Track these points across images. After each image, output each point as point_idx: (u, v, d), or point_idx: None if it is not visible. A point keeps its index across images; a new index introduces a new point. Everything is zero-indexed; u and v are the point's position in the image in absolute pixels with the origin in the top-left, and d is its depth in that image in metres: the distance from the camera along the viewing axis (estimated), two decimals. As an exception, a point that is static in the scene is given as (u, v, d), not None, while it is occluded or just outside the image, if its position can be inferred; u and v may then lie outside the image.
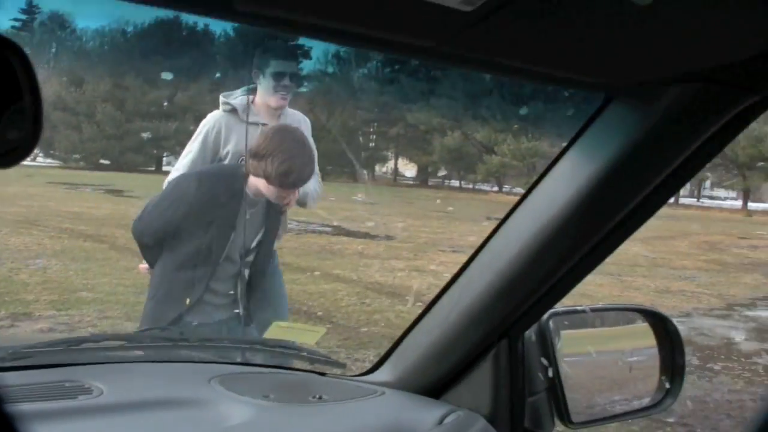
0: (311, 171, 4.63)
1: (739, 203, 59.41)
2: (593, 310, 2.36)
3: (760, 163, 56.72)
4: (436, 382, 2.05)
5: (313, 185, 5.26)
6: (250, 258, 4.84)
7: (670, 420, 8.18)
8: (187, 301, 4.58)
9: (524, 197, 1.78)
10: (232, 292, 4.82)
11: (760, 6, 1.09)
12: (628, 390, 2.36)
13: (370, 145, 56.02)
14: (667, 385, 2.25)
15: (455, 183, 55.47)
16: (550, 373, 2.05)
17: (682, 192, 63.77)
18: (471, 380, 2.00)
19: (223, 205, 4.55)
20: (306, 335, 3.64)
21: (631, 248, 24.00)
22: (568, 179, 1.64)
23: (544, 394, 2.06)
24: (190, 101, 42.36)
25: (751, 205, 57.71)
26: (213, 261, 4.60)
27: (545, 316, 2.04)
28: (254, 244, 4.81)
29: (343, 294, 13.07)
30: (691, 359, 10.79)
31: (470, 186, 54.23)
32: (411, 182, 55.54)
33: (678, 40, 1.23)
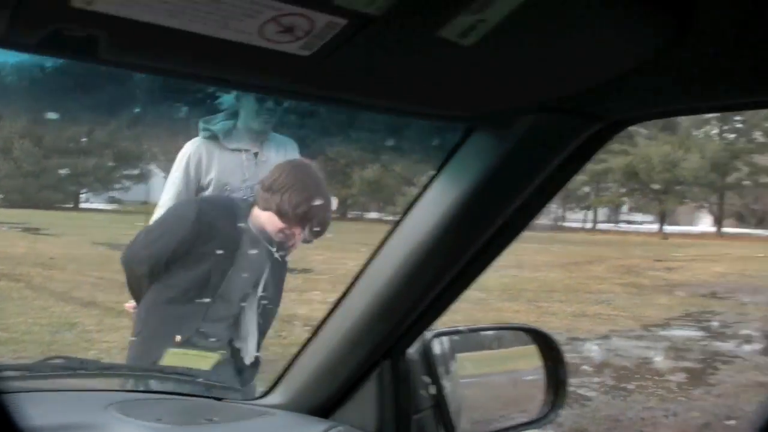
0: (329, 213, 4.32)
1: (655, 226, 60.39)
2: (475, 330, 2.45)
3: (676, 187, 57.84)
4: (325, 402, 2.10)
5: None
6: (251, 302, 4.39)
7: (585, 441, 8.34)
8: (177, 338, 4.12)
9: (398, 223, 1.85)
10: (219, 338, 4.34)
11: (597, 37, 1.15)
12: (516, 406, 2.49)
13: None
14: (552, 399, 2.34)
15: (374, 215, 55.39)
16: (433, 391, 2.10)
17: (600, 217, 64.76)
18: (357, 399, 2.06)
19: (222, 238, 4.15)
20: (201, 361, 3.86)
21: (548, 274, 24.32)
22: (435, 205, 1.72)
23: (430, 412, 2.11)
24: (109, 137, 41.90)
25: (667, 228, 58.72)
26: (206, 299, 4.18)
27: (428, 335, 2.10)
28: (260, 287, 4.38)
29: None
30: (606, 380, 11.02)
31: (390, 218, 54.28)
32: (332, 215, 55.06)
33: (524, 72, 1.29)
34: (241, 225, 4.16)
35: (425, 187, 1.76)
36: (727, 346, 14.29)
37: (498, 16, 1.01)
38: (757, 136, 60.76)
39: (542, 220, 60.29)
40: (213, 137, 4.78)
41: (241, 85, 1.37)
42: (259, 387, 3.62)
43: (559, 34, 1.12)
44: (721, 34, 1.13)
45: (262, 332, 4.52)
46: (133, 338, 4.34)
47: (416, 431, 2.07)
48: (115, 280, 15.75)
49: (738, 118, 60.05)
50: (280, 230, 4.12)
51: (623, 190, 62.11)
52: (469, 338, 2.44)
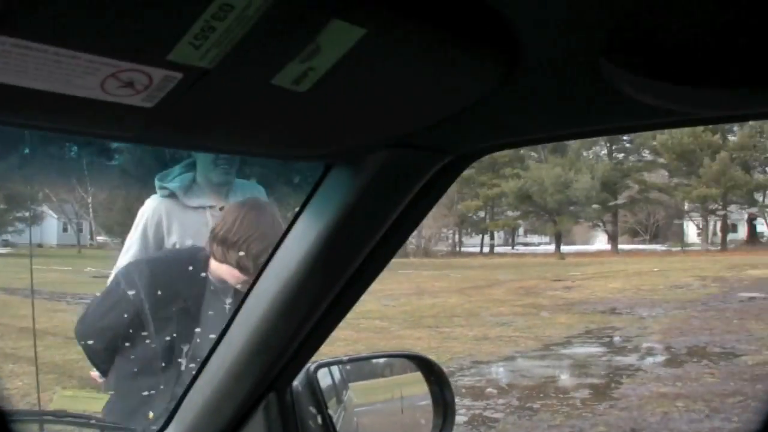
0: None
1: (552, 247, 61.42)
2: (357, 359, 2.50)
3: (570, 207, 58.95)
4: None
5: None
6: None
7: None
8: (150, 415, 3.63)
9: (269, 258, 1.88)
10: None
11: (433, 76, 1.20)
12: (405, 430, 2.55)
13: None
14: (440, 422, 2.36)
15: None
16: (320, 420, 2.11)
17: (496, 241, 65.65)
18: None
19: (182, 298, 3.74)
20: (92, 403, 3.60)
21: (448, 300, 24.45)
22: (301, 241, 1.77)
23: None
24: (-2, 181, 40.98)
25: (564, 248, 59.80)
26: (176, 365, 3.75)
27: (311, 367, 2.13)
28: None
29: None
30: (512, 401, 11.01)
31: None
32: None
33: (368, 111, 1.34)
34: (202, 280, 3.77)
35: (291, 224, 1.82)
36: (628, 360, 14.47)
37: (327, 64, 1.07)
38: (646, 154, 62.43)
39: (440, 246, 60.95)
40: (171, 195, 4.33)
41: (91, 135, 1.35)
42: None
43: (393, 75, 1.18)
44: (548, 72, 1.22)
45: None
46: (106, 417, 3.77)
47: None
48: (11, 326, 15.40)
49: (626, 138, 61.68)
50: (243, 282, 3.69)
51: (518, 213, 63.11)
52: (362, 367, 2.53)
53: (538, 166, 59.55)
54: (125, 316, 3.69)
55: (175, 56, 1.00)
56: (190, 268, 3.77)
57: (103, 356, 3.85)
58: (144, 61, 1.01)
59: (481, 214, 63.94)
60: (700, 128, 53.66)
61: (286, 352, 1.94)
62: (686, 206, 61.19)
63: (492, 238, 64.60)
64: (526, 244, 69.96)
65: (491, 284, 29.72)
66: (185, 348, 3.73)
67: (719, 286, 28.22)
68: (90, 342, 3.82)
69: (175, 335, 3.71)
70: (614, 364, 13.92)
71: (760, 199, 59.02)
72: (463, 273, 36.13)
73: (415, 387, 2.44)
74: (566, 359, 14.67)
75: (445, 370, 8.65)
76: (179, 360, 3.71)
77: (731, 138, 57.20)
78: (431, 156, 1.61)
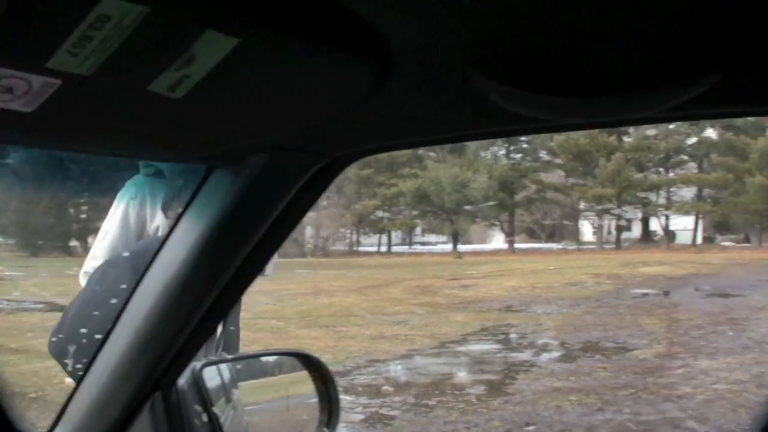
0: None
1: (449, 246, 61.92)
2: (242, 358, 2.64)
3: (467, 207, 59.50)
4: None
5: None
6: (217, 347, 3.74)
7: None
8: None
9: (153, 258, 1.91)
10: None
11: (307, 83, 1.25)
12: (299, 428, 2.54)
13: (82, 216, 54.32)
14: (326, 419, 2.40)
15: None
16: (205, 419, 2.13)
17: (394, 240, 65.93)
18: None
19: None
20: None
21: (345, 299, 24.45)
22: (183, 241, 1.80)
23: None
24: None
25: (461, 247, 60.35)
26: None
27: (197, 366, 2.15)
28: (221, 344, 3.75)
29: (56, 370, 12.39)
30: (408, 398, 11.02)
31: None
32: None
33: (246, 115, 1.39)
34: None
35: (174, 224, 1.85)
36: (523, 356, 14.65)
37: (201, 72, 1.11)
38: (543, 155, 63.39)
39: (338, 246, 60.99)
40: (158, 173, 3.88)
41: None
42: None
43: (267, 82, 1.23)
44: (419, 80, 1.28)
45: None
46: None
47: None
48: None
49: (523, 138, 62.57)
50: None
51: (415, 213, 63.48)
52: (253, 366, 2.59)
53: (436, 166, 59.98)
54: (105, 326, 3.18)
55: (54, 64, 1.03)
56: None
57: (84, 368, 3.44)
58: (23, 68, 1.04)
59: (379, 213, 64.17)
60: (597, 130, 54.75)
61: (170, 352, 1.95)
62: (582, 206, 62.27)
63: (389, 237, 64.84)
64: (423, 244, 70.38)
65: (388, 283, 29.85)
66: None
67: (613, 283, 28.84)
68: (70, 356, 3.42)
69: None
70: (509, 361, 14.09)
71: (654, 198, 60.39)
72: (361, 272, 36.20)
73: (304, 385, 2.47)
74: (462, 356, 14.80)
75: (342, 369, 8.70)
76: None
77: (626, 139, 58.44)
78: (309, 159, 1.67)
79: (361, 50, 1.17)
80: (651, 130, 56.98)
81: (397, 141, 1.69)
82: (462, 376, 12.92)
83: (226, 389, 2.33)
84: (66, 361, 3.44)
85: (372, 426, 9.64)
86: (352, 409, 10.44)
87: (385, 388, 11.72)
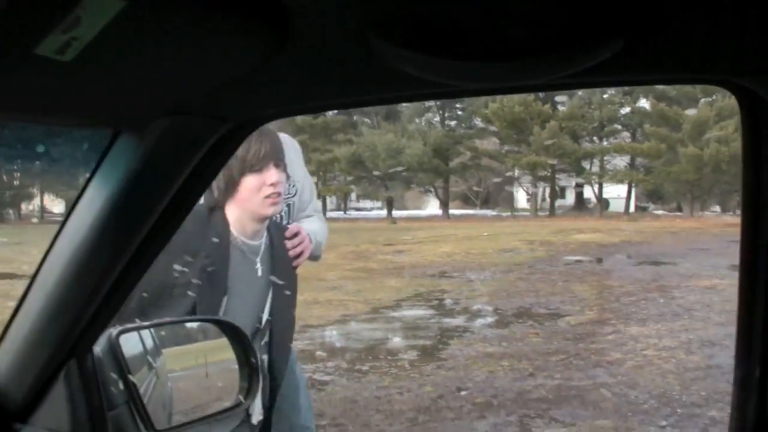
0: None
1: (384, 212, 62.01)
2: (160, 324, 2.52)
3: (403, 173, 59.55)
4: (21, 406, 2.02)
5: (319, 224, 4.30)
6: (257, 341, 3.36)
7: (323, 422, 8.33)
8: None
9: (63, 224, 1.88)
10: None
11: (204, 46, 1.23)
12: (213, 395, 2.51)
13: (15, 183, 53.46)
14: (247, 386, 2.43)
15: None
16: (122, 386, 2.10)
17: (329, 206, 65.86)
18: (49, 401, 2.01)
19: (200, 263, 3.16)
20: None
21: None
22: (91, 208, 1.78)
23: (125, 407, 2.12)
24: None
25: (396, 213, 60.48)
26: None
27: (114, 332, 2.13)
28: (263, 315, 3.40)
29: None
30: (341, 363, 11.08)
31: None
32: (59, 218, 53.57)
33: (143, 78, 1.36)
34: (223, 234, 3.30)
35: (83, 190, 1.83)
36: (456, 321, 14.74)
37: (89, 35, 1.08)
38: (477, 122, 63.58)
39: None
40: None
41: None
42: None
43: (161, 45, 1.21)
44: (320, 43, 1.27)
45: (276, 378, 3.51)
46: None
47: (113, 428, 2.08)
48: None
49: (458, 105, 62.66)
50: (261, 191, 3.27)
51: (350, 179, 63.46)
52: (178, 333, 2.55)
53: (371, 132, 59.96)
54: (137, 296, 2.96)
55: None
56: (209, 221, 3.30)
57: None
58: None
59: (314, 179, 63.89)
60: (531, 98, 55.14)
61: (83, 318, 1.93)
62: (516, 173, 62.69)
63: (324, 203, 64.77)
64: (358, 209, 70.46)
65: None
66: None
67: (546, 249, 29.11)
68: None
69: (196, 301, 3.15)
70: (443, 326, 14.14)
71: (588, 167, 60.99)
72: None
73: (226, 352, 2.48)
74: (396, 322, 14.85)
75: (275, 334, 8.32)
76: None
77: (561, 108, 58.87)
78: (212, 123, 1.65)
79: (257, 13, 1.16)
80: (585, 98, 57.49)
81: (300, 105, 1.68)
82: (395, 341, 12.98)
83: (149, 356, 2.30)
84: None
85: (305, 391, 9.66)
86: (286, 374, 10.48)
87: (318, 353, 11.73)
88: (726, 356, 10.71)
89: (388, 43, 1.16)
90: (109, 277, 1.86)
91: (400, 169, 58.28)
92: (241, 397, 2.42)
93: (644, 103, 58.60)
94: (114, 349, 2.11)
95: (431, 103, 62.74)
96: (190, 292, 3.13)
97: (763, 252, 1.33)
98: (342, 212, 66.55)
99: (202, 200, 3.61)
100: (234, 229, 3.31)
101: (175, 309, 3.10)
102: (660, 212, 60.45)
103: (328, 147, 59.99)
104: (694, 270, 21.66)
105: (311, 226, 4.13)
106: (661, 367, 10.47)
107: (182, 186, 1.76)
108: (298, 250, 3.71)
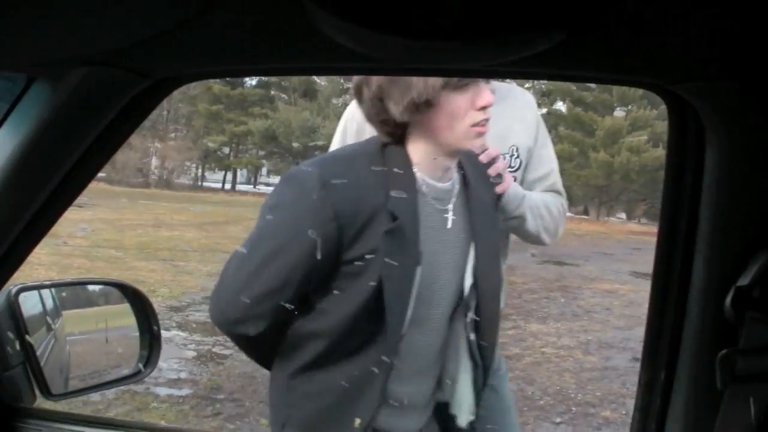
0: None
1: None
2: (61, 284, 2.45)
3: (315, 152, 59.56)
4: None
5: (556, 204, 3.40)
6: (458, 323, 2.52)
7: (220, 397, 8.29)
8: (357, 422, 2.36)
9: None
10: (417, 401, 2.55)
11: None
12: (112, 362, 2.44)
13: None
14: (147, 354, 2.35)
15: None
16: (18, 347, 2.05)
17: (239, 179, 65.56)
18: None
19: (383, 216, 2.27)
20: None
21: (185, 234, 24.22)
22: None
23: (20, 369, 2.06)
24: None
25: (306, 192, 60.46)
26: (390, 335, 2.30)
27: (13, 290, 2.06)
28: (466, 282, 2.51)
29: None
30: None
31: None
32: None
33: (65, 23, 1.29)
34: (408, 181, 2.39)
35: None
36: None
37: None
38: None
39: (182, 180, 60.28)
40: None
41: None
42: None
43: None
44: (250, 4, 1.21)
45: (485, 368, 2.58)
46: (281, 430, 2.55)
47: (7, 389, 2.05)
48: None
49: (374, 88, 62.83)
50: (467, 117, 2.40)
51: (262, 153, 63.26)
52: (79, 294, 2.46)
53: (287, 108, 59.76)
54: (295, 276, 2.29)
55: None
56: (385, 165, 2.38)
57: (269, 338, 2.41)
58: None
59: (226, 150, 63.63)
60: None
61: None
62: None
63: (235, 175, 64.45)
64: (268, 185, 70.15)
65: (229, 221, 29.66)
66: (402, 304, 2.31)
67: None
68: (243, 324, 2.37)
69: (374, 295, 2.27)
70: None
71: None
72: (204, 208, 35.85)
73: (127, 318, 2.39)
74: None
75: (177, 304, 8.54)
76: (394, 326, 2.30)
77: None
78: (131, 78, 1.58)
79: None
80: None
81: (226, 67, 1.62)
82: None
83: (48, 317, 2.23)
84: (237, 328, 2.40)
85: (204, 364, 9.59)
86: (185, 345, 10.37)
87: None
88: (622, 359, 10.95)
89: (323, 10, 1.11)
90: (9, 233, 1.80)
91: (312, 144, 58.26)
92: (141, 366, 2.34)
93: (561, 106, 59.40)
94: (12, 307, 2.04)
95: (349, 84, 62.63)
96: (366, 279, 2.27)
97: (678, 258, 1.33)
98: (252, 186, 66.29)
99: (360, 135, 3.22)
100: (419, 171, 2.43)
101: (339, 308, 2.33)
102: (567, 214, 61.54)
103: (242, 119, 59.64)
104: (596, 273, 22.03)
105: (546, 198, 3.32)
106: (558, 365, 10.63)
107: (93, 142, 1.71)
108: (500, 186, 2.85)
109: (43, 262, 14.44)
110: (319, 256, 2.24)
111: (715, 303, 1.25)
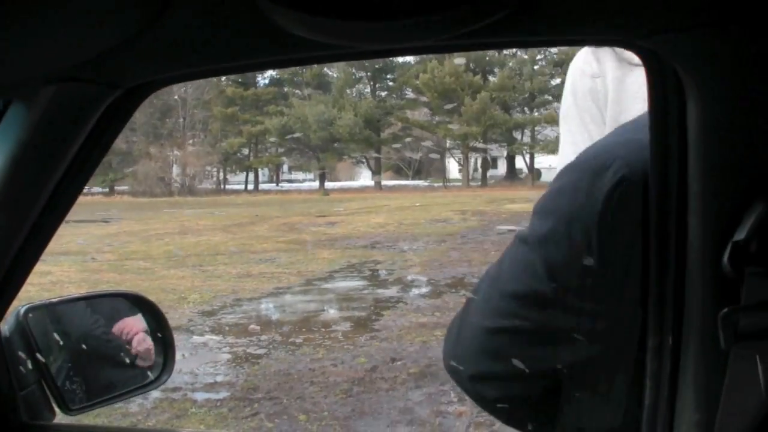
0: None
1: (316, 184, 62.00)
2: (72, 300, 2.42)
3: (334, 144, 59.54)
4: None
5: None
6: None
7: (258, 396, 8.30)
8: None
9: None
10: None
11: (88, 8, 1.19)
12: (128, 372, 2.42)
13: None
14: (162, 362, 2.35)
15: None
16: (30, 366, 2.04)
17: (261, 178, 65.68)
18: None
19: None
20: None
21: (212, 238, 24.28)
22: None
23: (36, 387, 2.07)
24: None
25: (329, 185, 60.51)
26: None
27: (21, 311, 2.05)
28: None
29: None
30: (275, 336, 11.03)
31: None
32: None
33: (27, 44, 1.29)
34: None
35: None
36: (389, 292, 14.78)
37: None
38: (408, 92, 63.70)
39: (205, 185, 60.45)
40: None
41: None
42: None
43: (45, 9, 1.16)
44: (205, 5, 1.22)
45: None
46: None
47: (25, 408, 2.03)
48: None
49: (390, 76, 62.68)
50: None
51: (282, 151, 63.32)
52: (89, 308, 2.42)
53: (302, 104, 59.76)
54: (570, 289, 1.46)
55: None
56: None
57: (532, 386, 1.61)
58: None
59: (245, 151, 63.77)
60: (462, 68, 55.40)
61: None
62: (448, 144, 62.96)
63: (257, 175, 64.56)
64: (290, 181, 70.31)
65: (255, 221, 29.72)
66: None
67: (478, 219, 29.34)
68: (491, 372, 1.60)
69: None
70: (376, 297, 14.18)
71: (519, 137, 61.44)
72: (228, 211, 35.97)
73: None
74: (329, 293, 14.87)
75: (209, 308, 8.59)
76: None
77: (492, 79, 59.17)
78: (101, 90, 1.57)
79: None
80: (516, 69, 57.86)
81: (192, 69, 1.59)
82: (329, 313, 12.98)
83: (58, 334, 2.24)
84: (480, 380, 1.64)
85: (239, 365, 9.62)
86: (219, 349, 10.40)
87: (252, 327, 11.68)
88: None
89: (273, 4, 1.12)
90: (5, 256, 1.80)
91: (331, 140, 58.29)
92: (158, 373, 2.36)
93: (574, 74, 59.16)
94: (22, 327, 2.06)
95: (362, 73, 62.75)
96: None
97: (672, 219, 1.28)
98: (274, 184, 66.37)
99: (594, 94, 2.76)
100: None
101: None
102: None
103: (258, 119, 59.69)
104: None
105: None
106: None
107: (76, 156, 1.70)
108: None
109: (73, 280, 14.56)
110: None
111: (713, 261, 1.21)
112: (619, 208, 1.35)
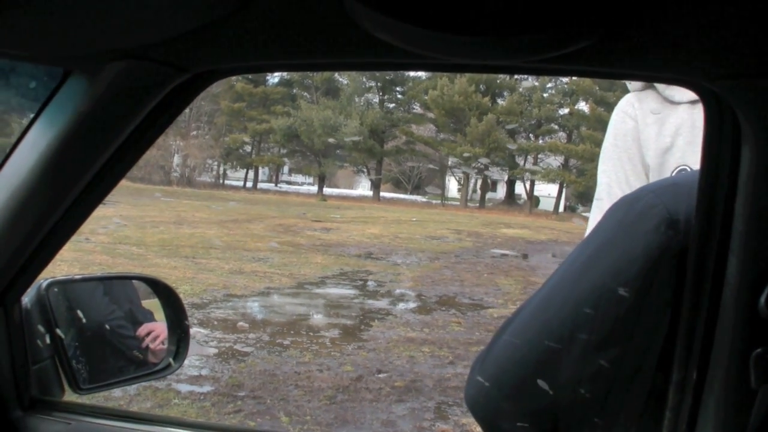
0: None
1: (315, 188, 62.02)
2: (96, 279, 2.51)
3: (336, 151, 59.58)
4: None
5: None
6: None
7: (241, 394, 8.30)
8: None
9: (2, 164, 1.79)
10: None
11: None
12: (139, 356, 2.43)
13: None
14: (175, 349, 2.35)
15: None
16: (48, 340, 2.05)
17: (261, 177, 65.67)
18: None
19: None
20: None
21: (207, 231, 24.27)
22: (32, 150, 1.70)
23: (50, 362, 2.08)
24: None
25: (327, 190, 60.51)
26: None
27: (43, 284, 2.07)
28: None
29: None
30: (262, 336, 11.03)
31: None
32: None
33: (107, 18, 1.31)
34: None
35: (24, 131, 1.74)
36: (380, 304, 14.78)
37: None
38: (416, 107, 63.77)
39: (204, 177, 60.43)
40: (648, 87, 2.77)
41: None
42: None
43: None
44: (283, 3, 1.23)
45: None
46: None
47: (36, 382, 2.05)
48: None
49: (399, 88, 62.76)
50: None
51: (284, 151, 63.35)
52: (108, 289, 2.43)
53: (309, 107, 59.76)
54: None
55: None
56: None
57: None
58: None
59: (248, 148, 63.78)
60: (471, 88, 55.47)
61: (13, 266, 1.87)
62: (450, 162, 62.98)
63: (256, 173, 64.53)
64: (289, 183, 70.33)
65: (251, 219, 29.70)
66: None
67: (473, 240, 29.32)
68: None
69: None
70: (366, 307, 14.18)
71: (521, 163, 61.48)
72: (225, 206, 35.93)
73: (157, 313, 2.42)
74: (319, 298, 14.85)
75: (199, 301, 8.58)
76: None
77: (500, 102, 59.25)
78: (169, 72, 1.58)
79: None
80: (525, 95, 57.91)
81: (264, 62, 1.61)
82: (318, 318, 12.96)
83: (78, 311, 2.25)
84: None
85: (225, 361, 9.61)
86: (206, 342, 10.40)
87: (240, 324, 11.67)
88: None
89: (363, 6, 1.12)
90: (44, 226, 1.80)
91: (334, 146, 58.27)
92: (170, 360, 2.35)
93: (583, 106, 59.20)
94: (43, 301, 2.06)
95: (372, 83, 62.77)
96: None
97: (711, 256, 1.30)
98: (273, 184, 66.37)
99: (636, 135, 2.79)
100: None
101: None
102: (588, 214, 61.21)
103: (265, 117, 59.73)
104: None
105: None
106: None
107: (130, 136, 1.69)
108: None
109: (66, 258, 14.51)
110: None
111: (748, 301, 1.23)
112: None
